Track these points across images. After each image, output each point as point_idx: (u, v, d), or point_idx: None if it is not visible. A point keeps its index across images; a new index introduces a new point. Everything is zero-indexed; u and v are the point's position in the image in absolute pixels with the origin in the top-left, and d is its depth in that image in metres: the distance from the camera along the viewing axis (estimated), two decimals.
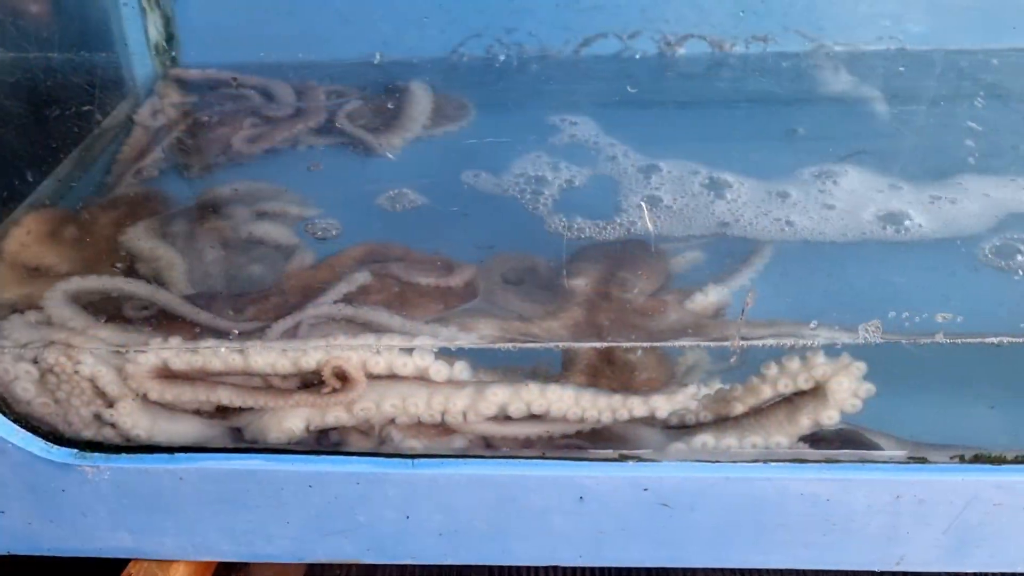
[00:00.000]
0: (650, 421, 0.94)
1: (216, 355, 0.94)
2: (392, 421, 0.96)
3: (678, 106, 1.50)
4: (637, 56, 1.56)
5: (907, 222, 1.06)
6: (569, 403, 0.94)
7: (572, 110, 1.41)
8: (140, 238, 1.13)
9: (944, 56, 1.52)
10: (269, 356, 0.94)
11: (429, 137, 1.40)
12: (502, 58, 1.58)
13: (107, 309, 0.99)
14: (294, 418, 0.96)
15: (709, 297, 0.98)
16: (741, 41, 1.55)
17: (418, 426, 0.96)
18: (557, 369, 0.98)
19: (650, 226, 0.96)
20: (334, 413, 0.95)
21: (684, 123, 1.46)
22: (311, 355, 0.93)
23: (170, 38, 1.59)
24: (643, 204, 0.97)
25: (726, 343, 0.89)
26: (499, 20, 1.57)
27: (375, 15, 1.58)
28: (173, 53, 1.60)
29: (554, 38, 1.58)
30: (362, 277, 1.04)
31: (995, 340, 0.86)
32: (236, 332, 0.95)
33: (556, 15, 1.56)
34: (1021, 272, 0.94)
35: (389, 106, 1.47)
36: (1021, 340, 0.86)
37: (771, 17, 1.53)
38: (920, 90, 1.46)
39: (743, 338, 0.88)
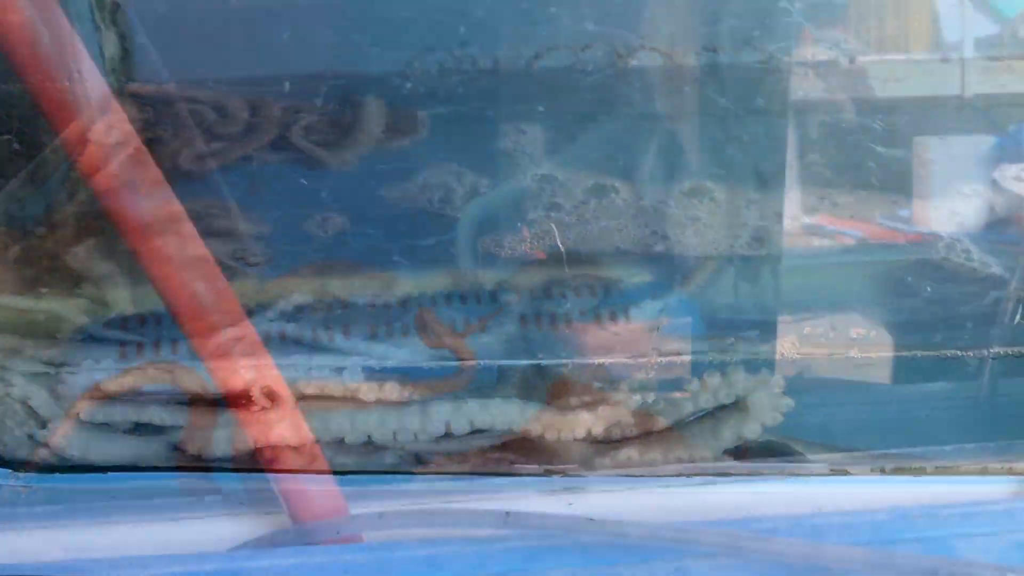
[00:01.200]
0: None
1: (146, 375, 0.95)
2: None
3: (626, 118, 1.51)
4: (589, 68, 1.57)
5: (830, 236, 1.07)
6: (514, 416, 0.95)
7: (523, 121, 1.42)
8: (83, 257, 1.14)
9: (896, 67, 1.53)
10: (199, 376, 0.95)
11: (383, 152, 1.42)
12: (455, 71, 1.59)
13: (39, 330, 1.00)
14: (239, 434, 0.97)
15: (638, 314, 0.99)
16: (692, 53, 1.56)
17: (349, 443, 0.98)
18: (492, 384, 0.99)
19: (561, 247, 0.98)
20: (277, 431, 0.96)
21: (627, 134, 1.47)
22: (241, 375, 0.95)
23: (125, 55, 1.60)
24: (552, 225, 0.99)
25: (644, 359, 0.90)
26: (452, 34, 1.58)
27: (329, 30, 1.59)
28: (129, 70, 1.61)
29: (507, 51, 1.59)
30: (299, 297, 1.06)
31: (908, 354, 0.88)
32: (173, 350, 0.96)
33: (509, 29, 1.57)
34: (930, 289, 0.95)
35: (342, 121, 1.48)
36: (935, 353, 0.88)
37: (723, 29, 1.54)
38: (870, 100, 1.47)
39: (660, 354, 0.89)
